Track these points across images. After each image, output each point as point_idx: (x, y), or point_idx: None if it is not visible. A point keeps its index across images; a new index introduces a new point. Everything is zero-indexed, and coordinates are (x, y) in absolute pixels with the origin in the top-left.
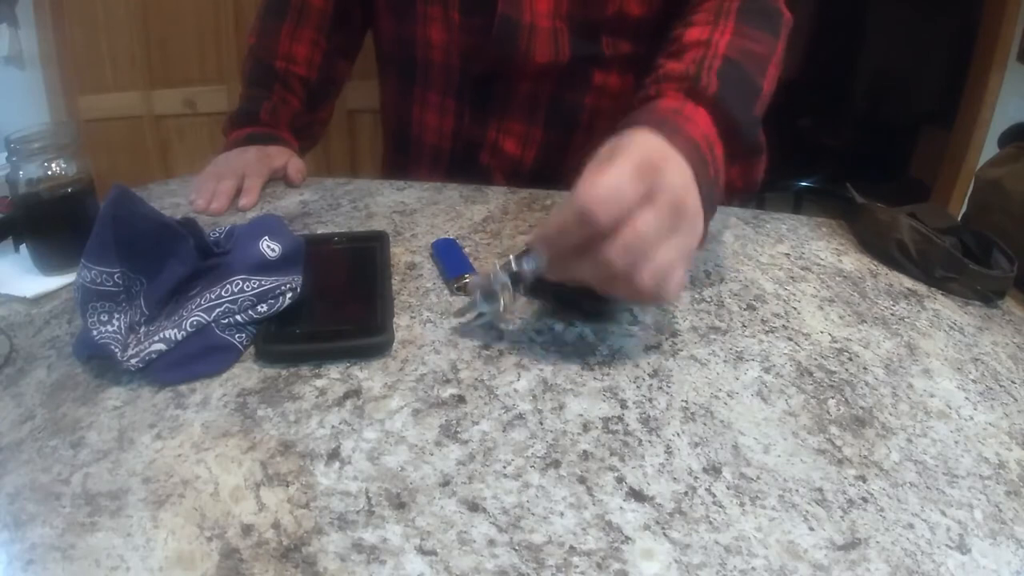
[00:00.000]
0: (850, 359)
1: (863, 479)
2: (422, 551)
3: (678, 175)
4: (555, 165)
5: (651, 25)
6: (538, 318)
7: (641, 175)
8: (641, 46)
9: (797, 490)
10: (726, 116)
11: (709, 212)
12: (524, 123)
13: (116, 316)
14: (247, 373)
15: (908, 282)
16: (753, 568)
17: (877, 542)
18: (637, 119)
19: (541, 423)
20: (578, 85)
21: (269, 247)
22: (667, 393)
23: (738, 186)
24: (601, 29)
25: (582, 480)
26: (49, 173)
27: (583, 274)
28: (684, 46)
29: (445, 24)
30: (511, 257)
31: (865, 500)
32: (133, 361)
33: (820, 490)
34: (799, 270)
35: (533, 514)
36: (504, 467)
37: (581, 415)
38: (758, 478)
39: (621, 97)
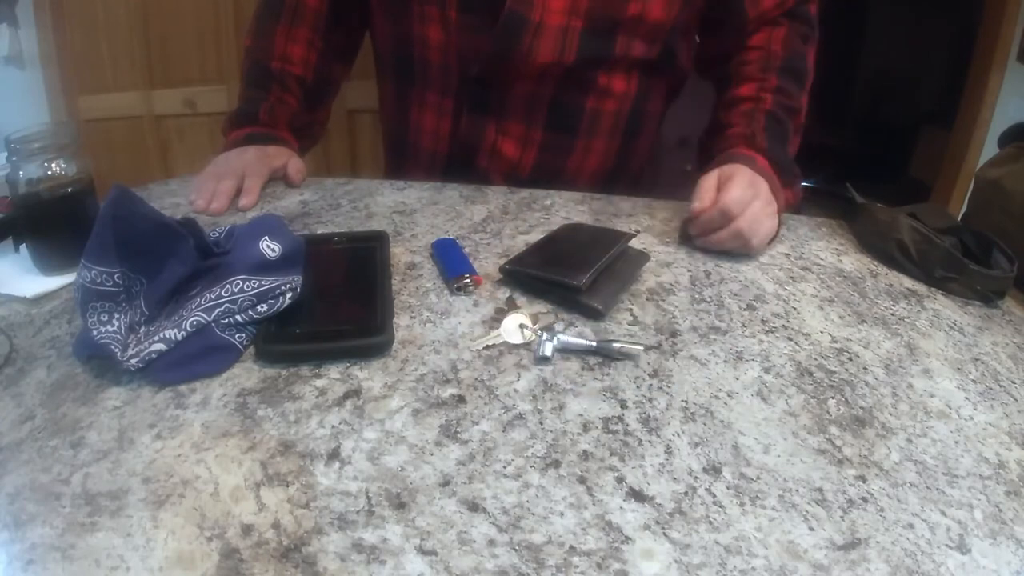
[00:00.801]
0: (850, 359)
1: (863, 479)
2: (422, 551)
3: (764, 185)
4: (553, 168)
5: (665, 30)
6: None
7: (750, 187)
8: (652, 49)
9: (797, 490)
10: (773, 160)
11: (780, 203)
12: (523, 124)
13: (116, 316)
14: (247, 373)
15: (908, 282)
16: (753, 568)
17: (877, 542)
18: (731, 158)
19: (541, 423)
20: (581, 86)
21: (269, 247)
22: (667, 393)
23: (792, 202)
24: (618, 29)
25: (582, 480)
26: (49, 173)
27: (719, 239)
28: (736, 99)
29: (442, 23)
30: (544, 335)
31: (865, 500)
32: (133, 361)
33: (820, 490)
34: (799, 270)
35: (533, 514)
36: (504, 467)
37: (581, 415)
38: (758, 478)
39: (624, 100)
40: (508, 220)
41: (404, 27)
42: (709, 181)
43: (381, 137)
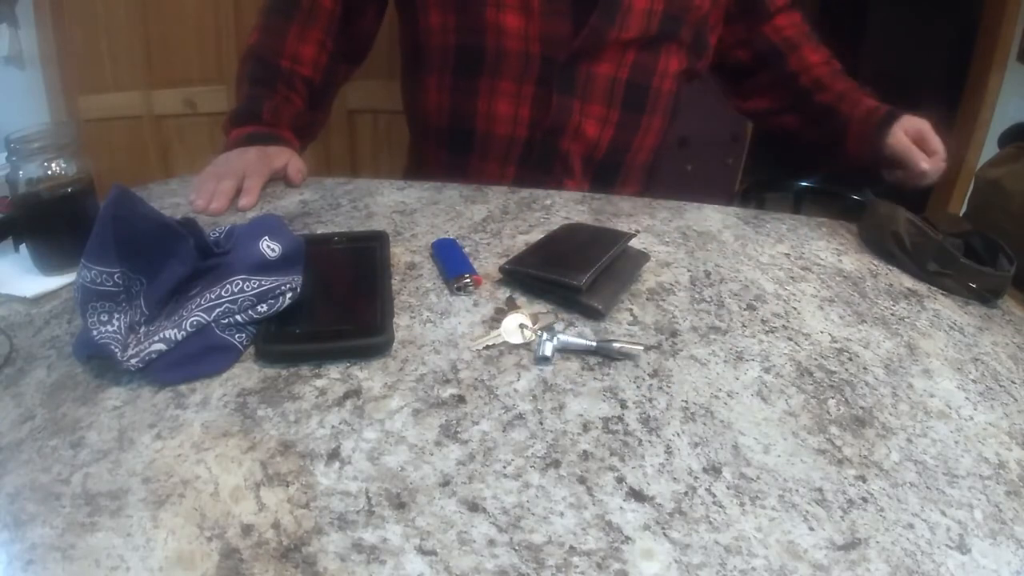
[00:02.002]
0: (850, 359)
1: (863, 479)
2: (422, 551)
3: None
4: (623, 147)
5: (704, 20)
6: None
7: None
8: (694, 34)
9: (797, 490)
10: None
11: None
12: (604, 105)
13: (116, 316)
14: (247, 373)
15: (908, 282)
16: (753, 568)
17: (877, 542)
18: (893, 111)
19: (541, 423)
20: (648, 66)
21: (269, 247)
22: (667, 393)
23: None
24: (686, 15)
25: (582, 480)
26: (49, 173)
27: (929, 180)
28: (815, 63)
29: (522, 11)
30: (544, 335)
31: (865, 500)
32: (133, 361)
33: (820, 490)
34: (799, 270)
35: (533, 514)
36: (504, 467)
37: (581, 415)
38: (758, 478)
39: (674, 80)
40: (508, 220)
41: (471, 17)
42: (904, 138)
43: (425, 134)
